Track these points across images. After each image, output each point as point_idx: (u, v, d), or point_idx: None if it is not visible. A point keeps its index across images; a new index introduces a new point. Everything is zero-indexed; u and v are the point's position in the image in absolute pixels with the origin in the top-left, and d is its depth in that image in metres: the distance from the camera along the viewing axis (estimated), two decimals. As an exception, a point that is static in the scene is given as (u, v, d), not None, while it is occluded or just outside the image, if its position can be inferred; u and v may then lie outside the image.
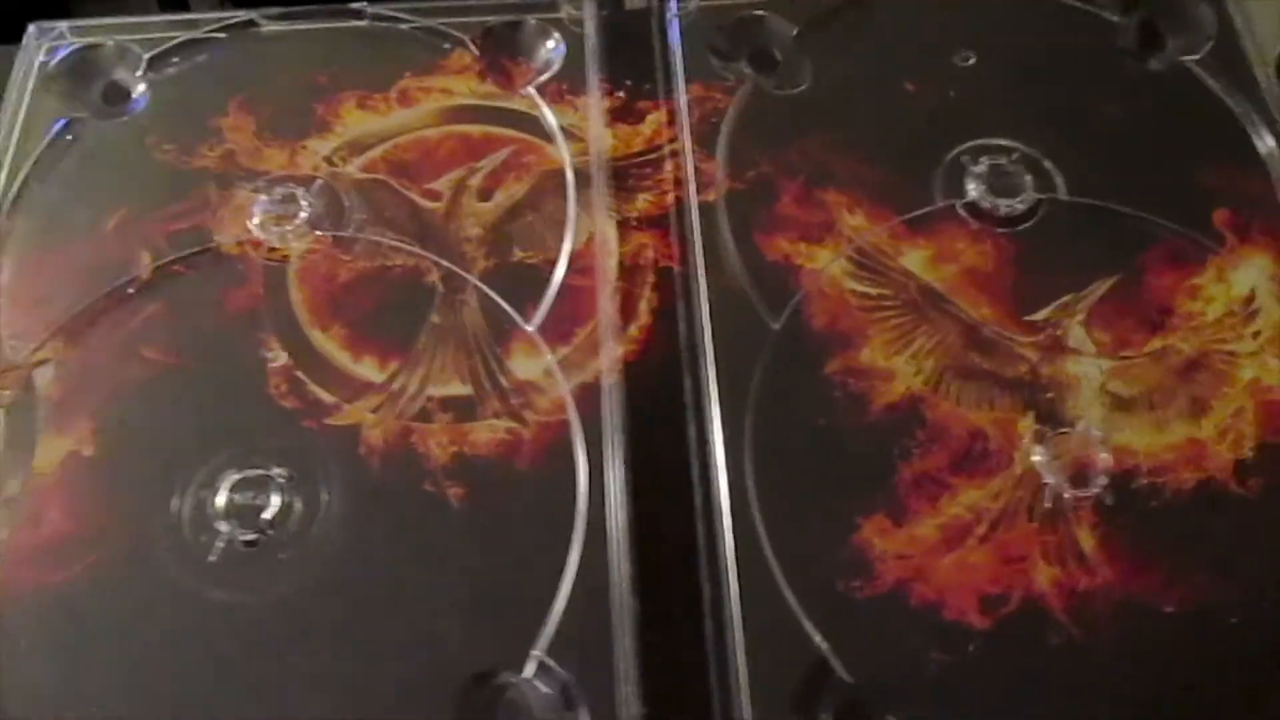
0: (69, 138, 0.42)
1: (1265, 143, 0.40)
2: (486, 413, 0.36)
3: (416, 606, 0.33)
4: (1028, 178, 0.40)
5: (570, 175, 0.40)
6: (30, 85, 0.43)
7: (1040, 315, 0.37)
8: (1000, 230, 0.39)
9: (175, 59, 0.44)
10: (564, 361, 0.37)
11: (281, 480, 0.35)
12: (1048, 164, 0.40)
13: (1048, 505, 0.34)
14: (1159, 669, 0.32)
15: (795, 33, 0.44)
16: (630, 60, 0.43)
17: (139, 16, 0.45)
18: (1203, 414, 0.35)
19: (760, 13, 0.44)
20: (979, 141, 0.41)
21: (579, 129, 0.42)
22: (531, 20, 0.44)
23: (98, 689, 0.32)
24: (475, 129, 0.42)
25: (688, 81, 0.42)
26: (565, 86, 0.43)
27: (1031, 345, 0.37)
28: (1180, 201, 0.39)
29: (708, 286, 0.38)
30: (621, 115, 0.42)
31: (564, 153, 0.41)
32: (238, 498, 0.34)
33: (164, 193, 0.40)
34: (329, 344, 0.37)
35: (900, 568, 0.33)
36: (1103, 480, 0.34)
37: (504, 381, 0.37)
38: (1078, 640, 0.32)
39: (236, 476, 0.35)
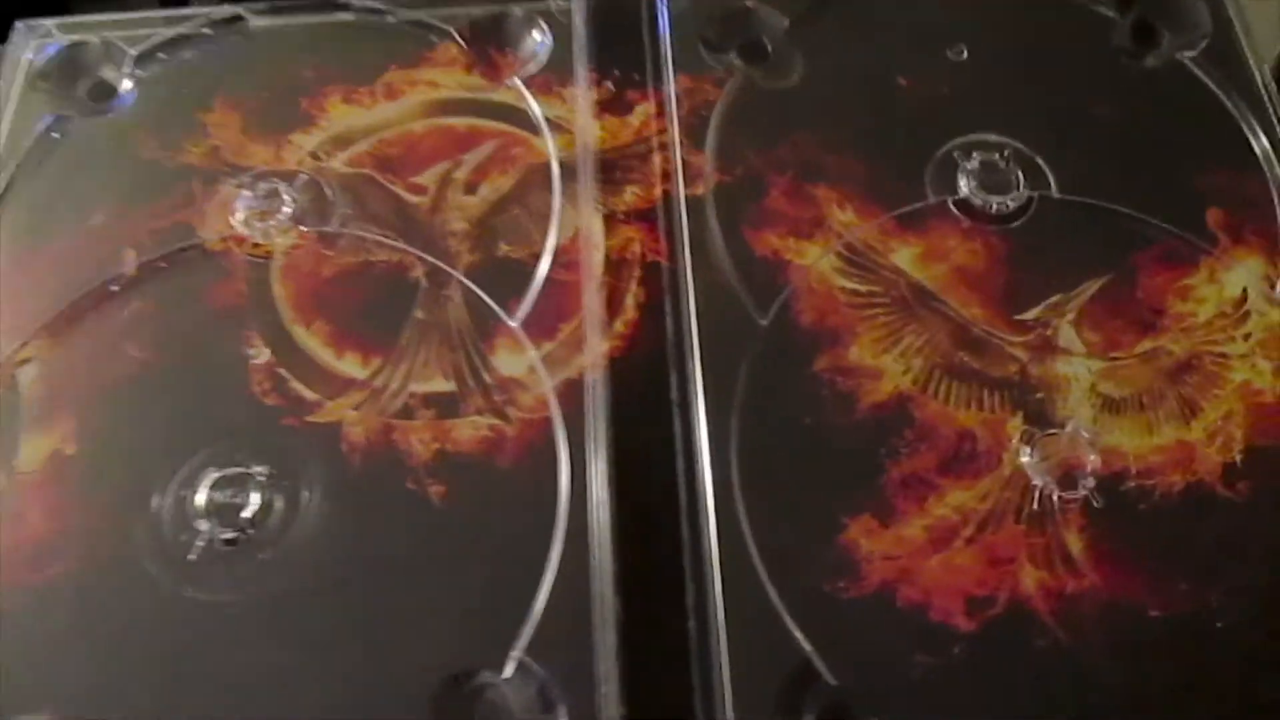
0: (55, 136, 0.41)
1: (1260, 142, 0.40)
2: (469, 409, 0.36)
3: (396, 605, 0.33)
4: (1020, 174, 0.39)
5: (555, 168, 0.40)
6: (18, 83, 0.42)
7: (1030, 315, 0.37)
8: (991, 228, 0.39)
9: (162, 55, 0.43)
10: (548, 357, 0.36)
11: (262, 478, 0.34)
12: (1040, 161, 0.39)
13: (1035, 507, 0.34)
14: (1146, 673, 0.31)
15: (787, 25, 0.43)
16: (619, 51, 0.43)
17: (128, 13, 0.44)
18: (1192, 416, 0.35)
19: (751, 4, 0.43)
20: (971, 137, 0.40)
21: (566, 121, 0.41)
22: (518, 10, 0.43)
23: (77, 688, 0.32)
24: (461, 122, 0.41)
25: (676, 73, 0.42)
26: (553, 78, 0.42)
27: (1021, 345, 0.36)
28: (1173, 201, 0.38)
29: (695, 282, 0.37)
30: (609, 107, 0.42)
31: (549, 145, 0.40)
32: (218, 496, 0.34)
33: (149, 190, 0.40)
34: (311, 340, 0.37)
35: (886, 569, 0.33)
36: (1091, 482, 0.34)
37: (487, 378, 0.36)
38: (1064, 643, 0.32)
39: (217, 475, 0.34)
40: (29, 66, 0.43)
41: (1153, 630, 0.32)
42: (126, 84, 0.43)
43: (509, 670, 0.31)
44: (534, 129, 0.41)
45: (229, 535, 0.33)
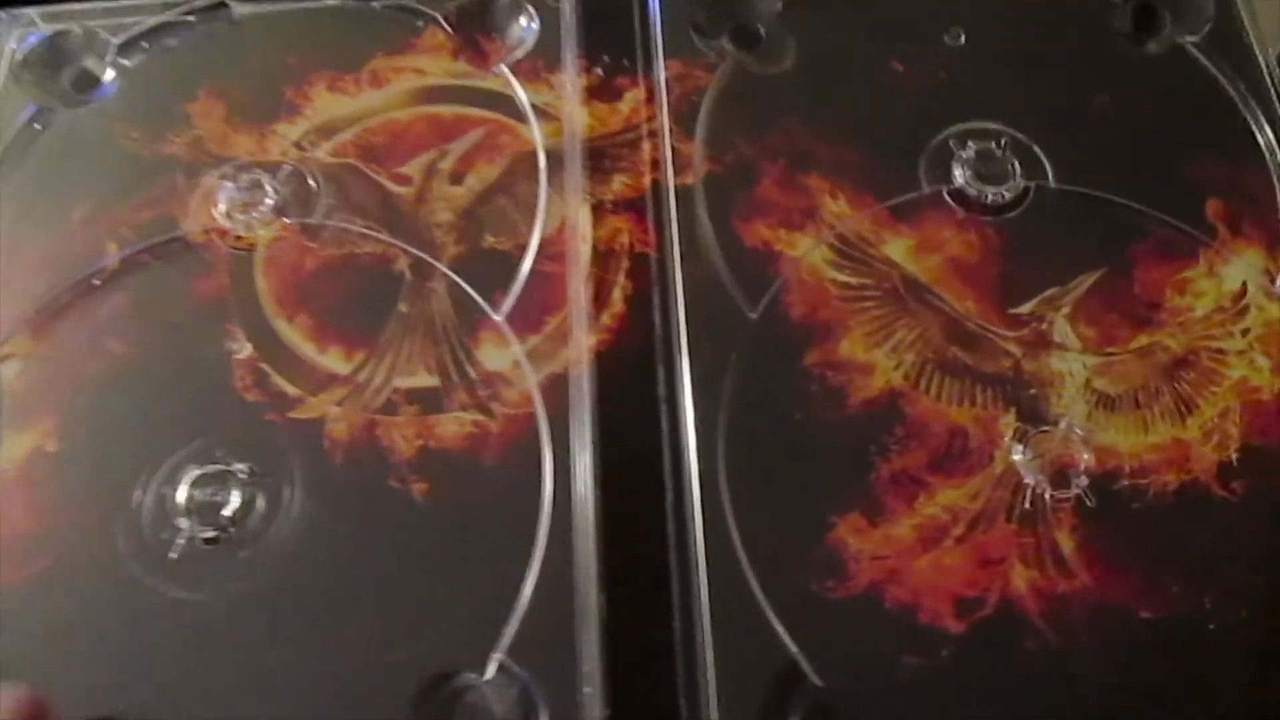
0: (37, 127, 0.41)
1: (1265, 133, 0.39)
2: (453, 405, 0.35)
3: (377, 605, 0.32)
4: (1016, 164, 0.38)
5: (542, 157, 0.39)
6: (0, 74, 0.42)
7: (1025, 309, 0.36)
8: (986, 219, 0.38)
9: (145, 44, 0.43)
10: (533, 352, 0.36)
11: (243, 476, 0.34)
12: (1037, 149, 0.39)
13: (1027, 506, 0.33)
14: (1137, 675, 0.31)
15: (779, 8, 0.42)
16: (608, 36, 0.42)
17: (112, 1, 0.44)
18: (1188, 414, 0.34)
19: (744, -13, 0.43)
20: (967, 125, 0.39)
21: (554, 108, 0.40)
22: (505, -7, 0.43)
23: (58, 687, 0.32)
24: (447, 110, 0.41)
25: (667, 58, 0.41)
26: (540, 64, 0.41)
27: (1015, 340, 0.36)
28: (1173, 191, 0.37)
29: (683, 274, 0.37)
30: (598, 93, 0.41)
31: (536, 133, 0.40)
32: (198, 494, 0.34)
33: (131, 181, 0.39)
34: (294, 335, 0.36)
35: (875, 568, 0.32)
36: (1084, 481, 0.33)
37: (472, 373, 0.36)
38: (1054, 645, 0.31)
39: (198, 472, 0.34)
40: (11, 56, 0.42)
41: (1144, 632, 0.31)
42: (109, 73, 0.42)
43: (490, 671, 0.31)
44: (521, 117, 0.40)
45: (209, 534, 0.33)
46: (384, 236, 0.38)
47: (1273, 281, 0.36)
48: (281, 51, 0.42)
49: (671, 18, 0.42)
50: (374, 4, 0.43)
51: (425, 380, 0.36)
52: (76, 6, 0.43)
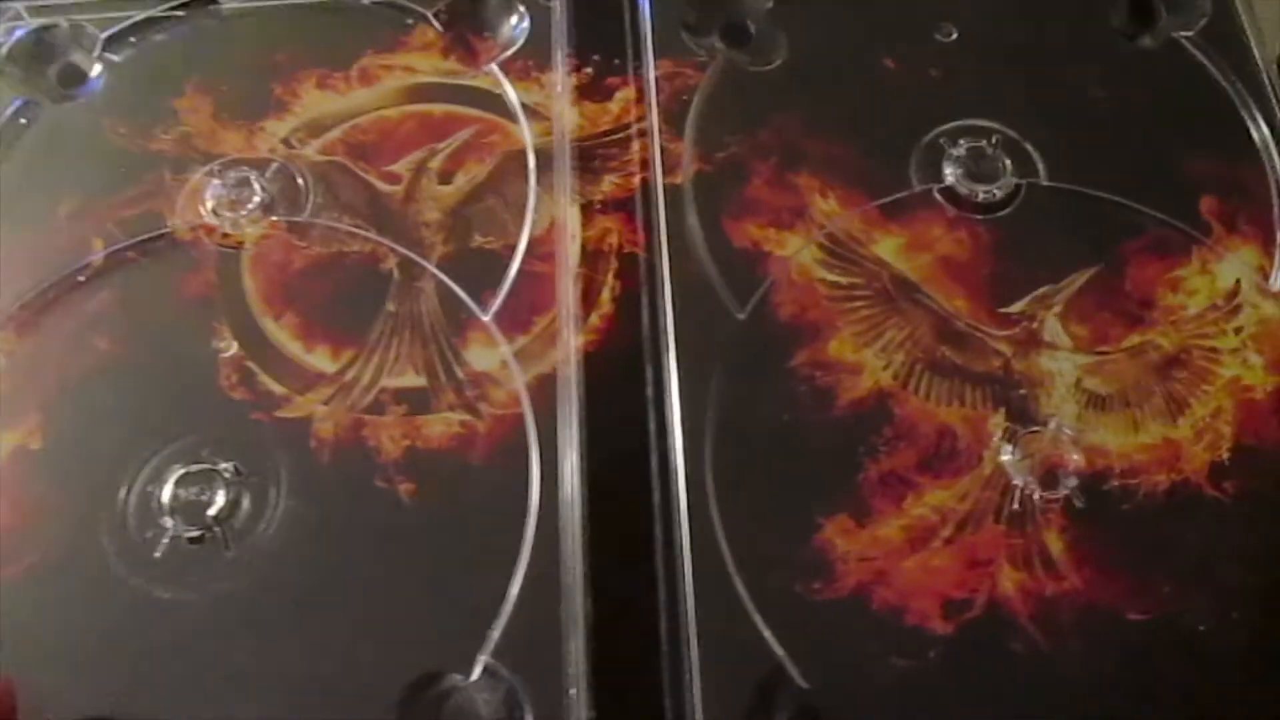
0: (23, 121, 0.41)
1: (1260, 129, 0.38)
2: (440, 405, 0.35)
3: (363, 606, 0.32)
4: (1008, 162, 0.38)
5: (531, 157, 0.39)
6: None
7: (1016, 308, 0.36)
8: (977, 217, 0.37)
9: (132, 39, 0.42)
10: (521, 352, 0.36)
11: (229, 475, 0.34)
12: (1029, 147, 0.38)
13: (1016, 507, 0.33)
14: (1126, 678, 0.31)
15: (770, 5, 0.42)
16: (599, 34, 0.42)
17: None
18: (1180, 413, 0.34)
19: (734, -15, 0.42)
20: (959, 123, 0.39)
21: (544, 107, 0.40)
22: (496, -8, 0.42)
23: (41, 685, 0.31)
24: (437, 108, 0.40)
25: (657, 57, 0.40)
26: (531, 63, 0.41)
27: (1005, 339, 0.35)
28: (1167, 188, 0.37)
29: (672, 274, 0.36)
30: (589, 92, 0.41)
31: (525, 132, 0.39)
32: (183, 493, 0.34)
33: (118, 177, 0.39)
34: (281, 333, 0.36)
35: (862, 570, 0.32)
36: (1073, 482, 0.33)
37: (459, 373, 0.36)
38: (1042, 647, 0.31)
39: (183, 471, 0.34)
40: (-3, 50, 0.42)
41: (1133, 634, 0.31)
42: (96, 68, 0.42)
43: (476, 673, 0.31)
44: (511, 116, 0.40)
45: (194, 533, 0.33)
46: (372, 235, 0.38)
47: (1267, 279, 0.36)
48: (270, 48, 0.42)
49: (662, 16, 0.41)
50: (364, 1, 0.42)
51: (413, 380, 0.36)
52: (64, 0, 0.43)
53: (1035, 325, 0.35)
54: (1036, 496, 0.33)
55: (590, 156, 0.40)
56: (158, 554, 0.33)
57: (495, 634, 0.31)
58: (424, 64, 0.41)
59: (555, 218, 0.38)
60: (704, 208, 0.38)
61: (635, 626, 0.32)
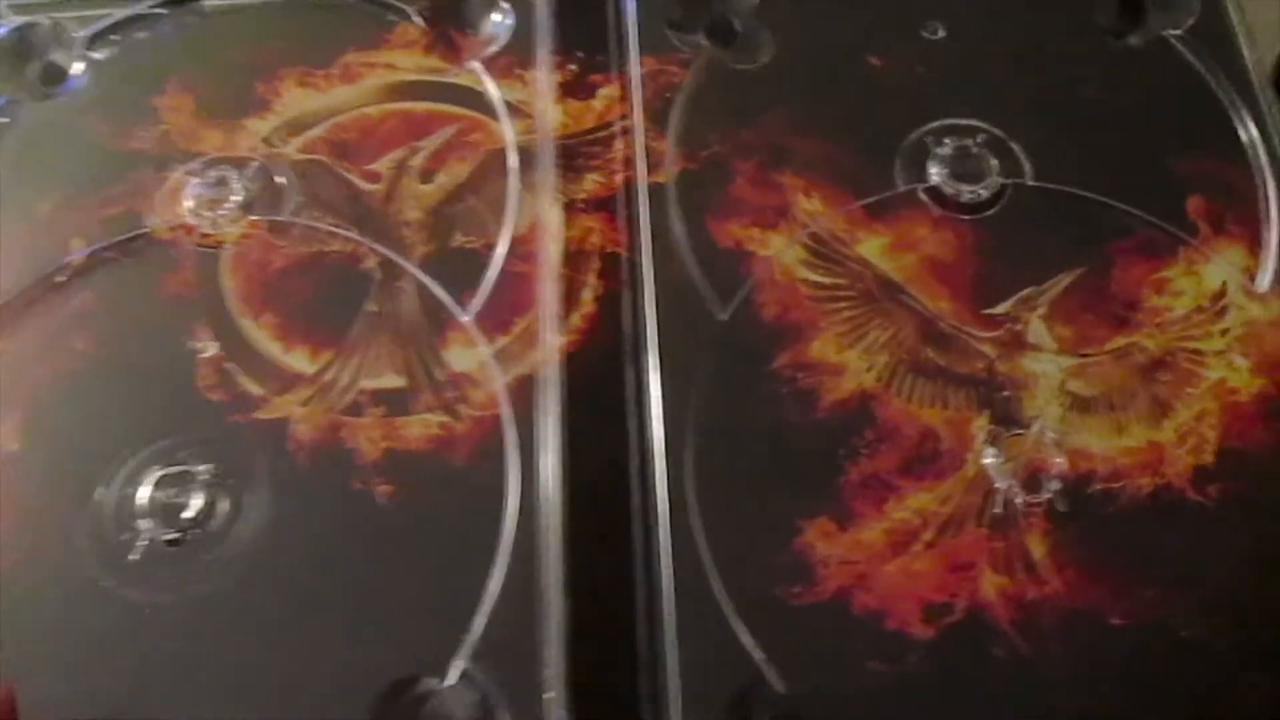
0: (3, 120, 0.41)
1: (1248, 129, 0.38)
2: (419, 406, 0.35)
3: (339, 609, 0.32)
4: (993, 161, 0.38)
5: (513, 156, 0.39)
6: None
7: (1000, 309, 0.35)
8: (963, 217, 0.37)
9: (114, 37, 0.42)
10: (501, 353, 0.35)
11: (206, 477, 0.34)
12: (1015, 146, 0.38)
13: (998, 511, 0.32)
14: (1107, 684, 0.30)
15: (756, 2, 0.41)
16: (582, 31, 0.41)
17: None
18: (1164, 416, 0.34)
19: (720, -19, 0.42)
20: (945, 122, 0.38)
21: (527, 105, 0.40)
22: (479, -12, 0.42)
23: (18, 686, 0.31)
24: (418, 106, 0.40)
25: (641, 54, 0.40)
26: (514, 60, 0.41)
27: (990, 341, 0.35)
28: (1153, 188, 0.37)
29: (654, 274, 0.36)
30: (572, 90, 0.40)
31: (508, 131, 0.39)
32: (160, 495, 0.33)
33: (99, 176, 0.39)
34: (259, 334, 0.36)
35: (843, 574, 0.32)
36: (1056, 485, 0.32)
37: (439, 374, 0.35)
38: (1024, 652, 0.31)
39: (160, 473, 0.34)
40: (-22, 48, 0.42)
41: (1115, 640, 0.31)
42: (78, 66, 0.42)
43: (452, 678, 0.31)
44: (493, 113, 0.40)
45: (171, 536, 0.33)
46: (352, 235, 0.38)
47: (1253, 280, 0.36)
48: (252, 45, 0.42)
49: (646, 13, 0.41)
50: (346, -2, 0.42)
51: (392, 381, 0.35)
52: (47, -3, 0.43)
53: (1020, 327, 0.35)
54: (1019, 500, 0.32)
55: (573, 155, 0.39)
56: (134, 556, 0.33)
57: (472, 638, 0.31)
58: (406, 61, 0.41)
59: (537, 217, 0.38)
60: (687, 207, 0.37)
61: (614, 630, 0.32)
